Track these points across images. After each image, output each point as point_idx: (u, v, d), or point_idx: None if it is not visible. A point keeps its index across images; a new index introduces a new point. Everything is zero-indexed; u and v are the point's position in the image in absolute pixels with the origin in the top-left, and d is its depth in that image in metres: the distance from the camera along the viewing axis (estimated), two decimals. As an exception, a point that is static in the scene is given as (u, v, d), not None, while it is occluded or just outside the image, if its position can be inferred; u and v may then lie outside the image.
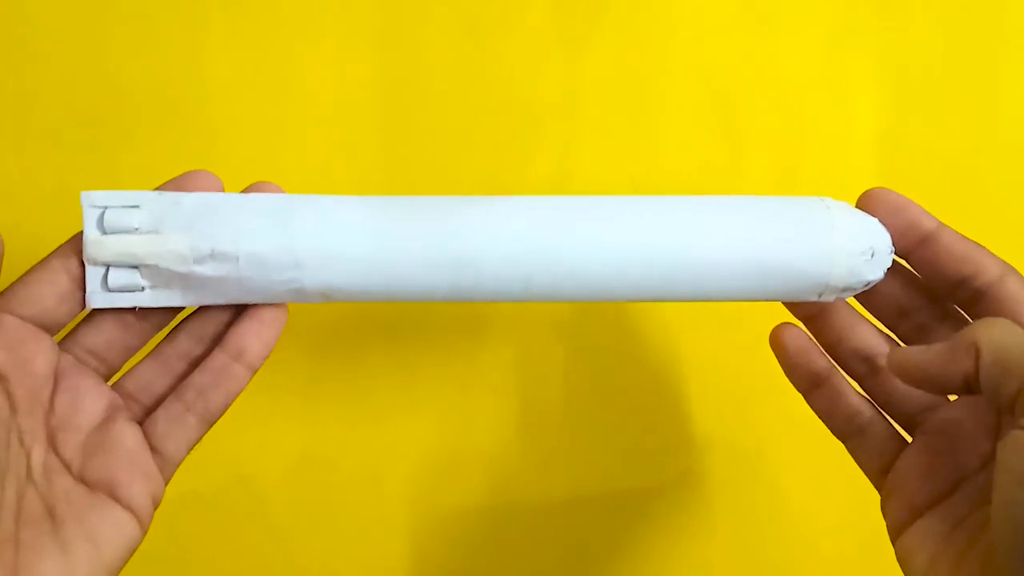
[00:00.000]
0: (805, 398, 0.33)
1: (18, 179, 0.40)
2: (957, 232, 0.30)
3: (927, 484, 0.29)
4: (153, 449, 0.28)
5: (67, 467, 0.27)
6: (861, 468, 0.32)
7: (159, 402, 0.29)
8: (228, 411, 0.29)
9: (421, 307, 0.42)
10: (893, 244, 0.30)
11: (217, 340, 0.29)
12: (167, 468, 0.29)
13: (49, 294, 0.27)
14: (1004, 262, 0.30)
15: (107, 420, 0.28)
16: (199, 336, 0.30)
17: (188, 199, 0.28)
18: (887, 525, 0.30)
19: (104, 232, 0.27)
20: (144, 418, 0.29)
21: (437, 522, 0.43)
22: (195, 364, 0.29)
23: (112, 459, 0.27)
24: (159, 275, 0.28)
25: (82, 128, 0.40)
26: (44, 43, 0.40)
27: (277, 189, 0.30)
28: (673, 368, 0.43)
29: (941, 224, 0.30)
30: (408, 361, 0.42)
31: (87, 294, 0.27)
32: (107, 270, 0.27)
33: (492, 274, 0.28)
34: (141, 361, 0.30)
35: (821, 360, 0.32)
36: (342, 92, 0.41)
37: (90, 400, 0.28)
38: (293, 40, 0.41)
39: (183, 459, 0.29)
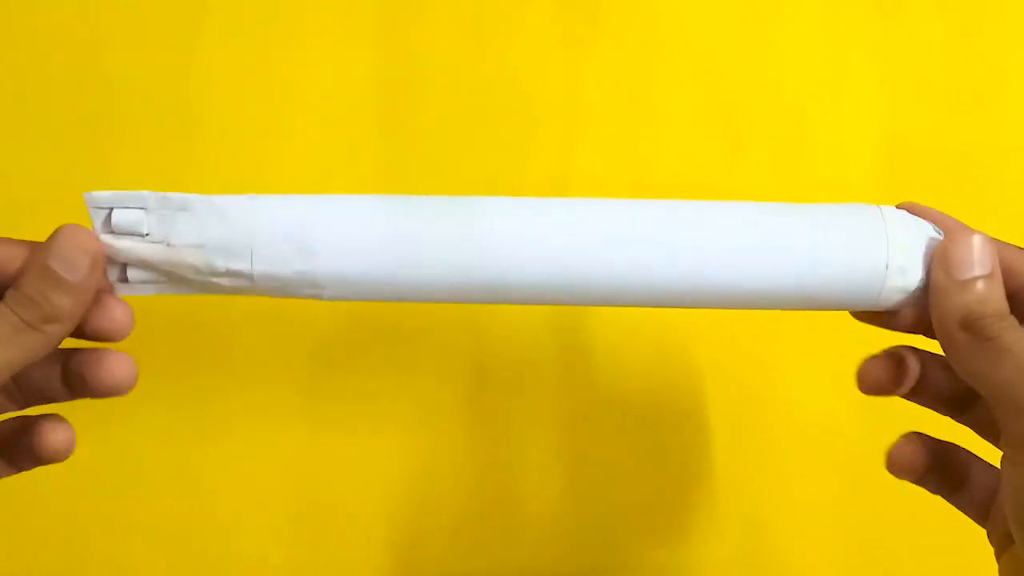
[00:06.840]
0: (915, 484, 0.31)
1: (18, 179, 0.40)
2: (994, 241, 0.27)
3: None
4: None
5: None
6: (966, 514, 0.30)
7: None
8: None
9: (422, 311, 0.42)
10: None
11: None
12: None
13: None
14: None
15: None
16: None
17: (196, 205, 0.27)
18: (993, 549, 0.29)
19: (113, 233, 0.27)
20: None
21: (437, 524, 0.43)
22: None
23: None
24: (176, 277, 0.27)
25: (82, 128, 0.40)
26: (44, 43, 0.40)
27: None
28: (674, 382, 0.43)
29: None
30: (408, 366, 0.42)
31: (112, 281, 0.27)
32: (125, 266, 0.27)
33: (526, 295, 0.28)
34: None
35: (931, 453, 0.30)
36: (342, 92, 0.41)
37: None
38: (293, 40, 0.41)
39: None
